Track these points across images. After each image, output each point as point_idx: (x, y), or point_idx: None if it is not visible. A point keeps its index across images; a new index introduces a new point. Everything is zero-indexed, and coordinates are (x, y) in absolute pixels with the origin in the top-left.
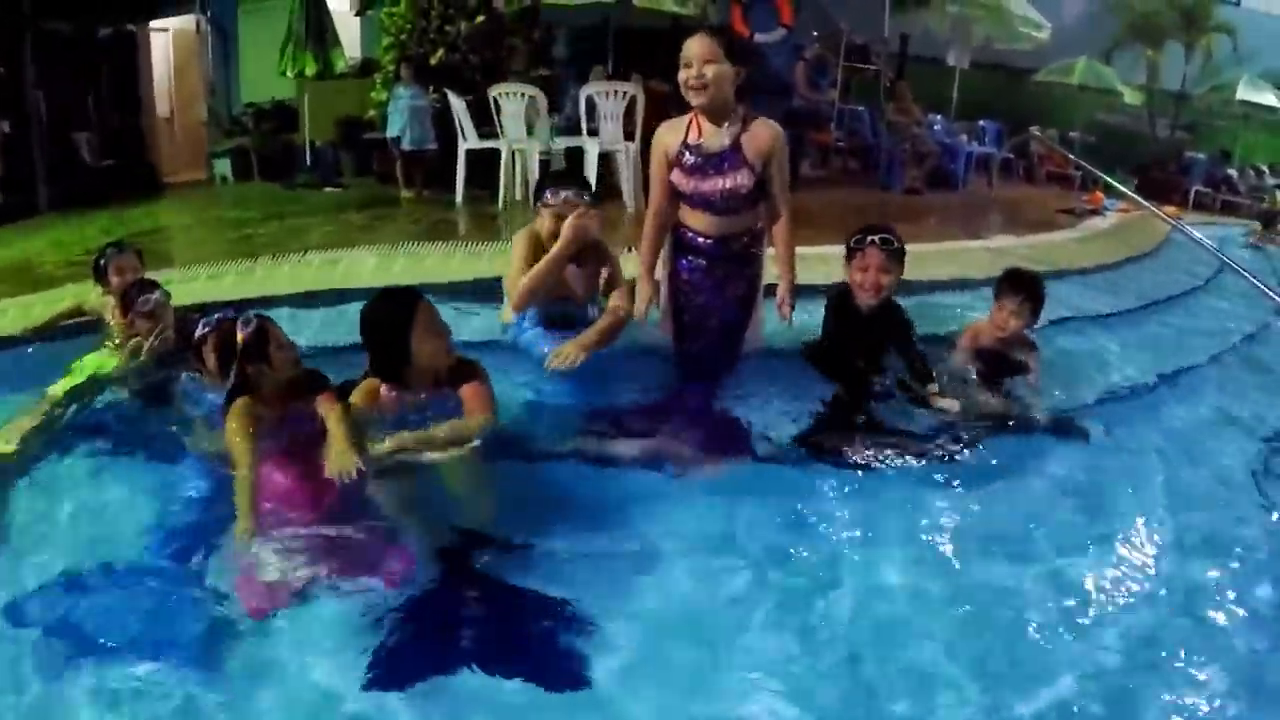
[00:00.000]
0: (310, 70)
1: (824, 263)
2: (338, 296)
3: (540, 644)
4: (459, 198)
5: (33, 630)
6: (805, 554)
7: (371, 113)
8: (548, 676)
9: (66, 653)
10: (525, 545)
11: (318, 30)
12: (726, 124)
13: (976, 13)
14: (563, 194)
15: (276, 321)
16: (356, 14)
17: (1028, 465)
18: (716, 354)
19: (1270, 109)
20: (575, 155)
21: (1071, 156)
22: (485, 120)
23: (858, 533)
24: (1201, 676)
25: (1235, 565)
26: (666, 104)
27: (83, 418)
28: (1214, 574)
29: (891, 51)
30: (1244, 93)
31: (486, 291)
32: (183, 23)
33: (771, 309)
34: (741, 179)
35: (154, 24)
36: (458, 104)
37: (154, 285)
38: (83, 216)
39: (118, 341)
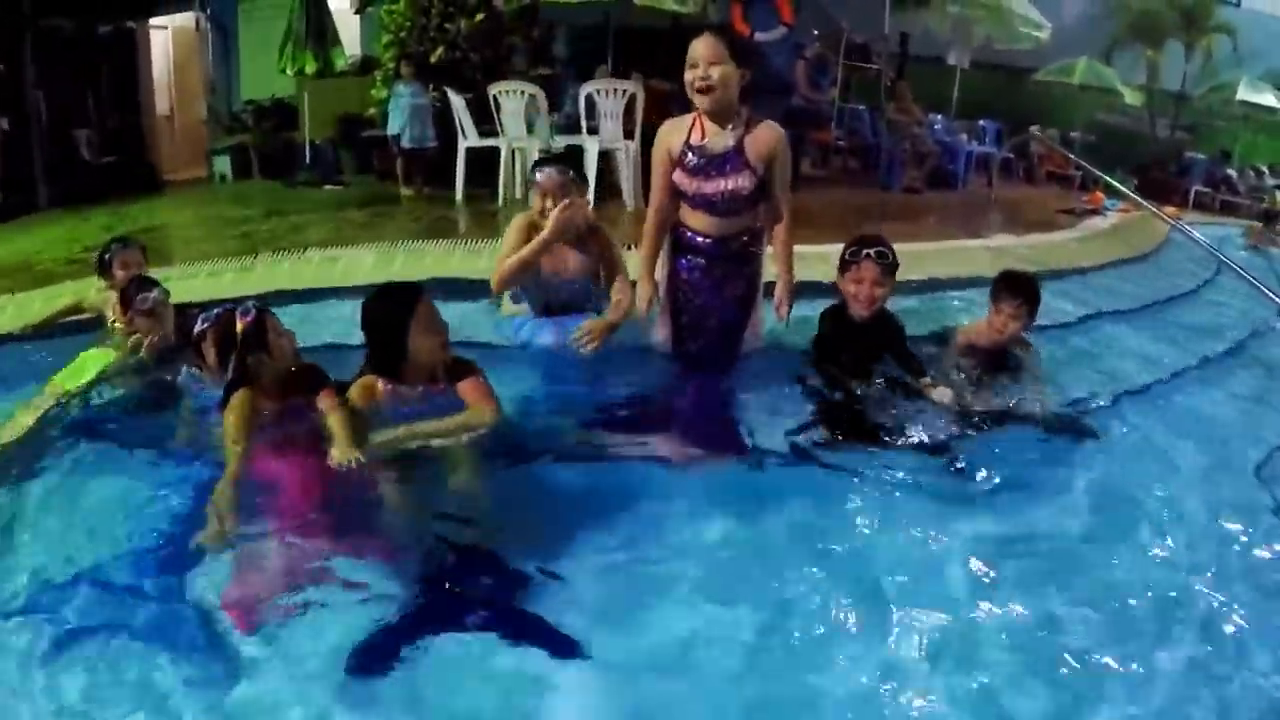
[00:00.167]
0: (310, 68)
1: (824, 261)
2: (336, 294)
3: (535, 640)
4: (459, 195)
5: (29, 627)
6: (804, 553)
7: (371, 110)
8: (537, 668)
9: (63, 648)
10: (521, 543)
11: (318, 28)
12: (730, 125)
13: (977, 12)
14: (547, 170)
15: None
16: (356, 12)
17: (1029, 465)
18: (716, 354)
19: (1270, 110)
20: (575, 153)
21: (1071, 156)
22: (485, 118)
23: (856, 532)
24: (1201, 675)
25: (1234, 564)
26: (667, 102)
27: (82, 414)
28: (1213, 573)
29: (892, 51)
30: (1244, 93)
31: (486, 289)
32: (182, 20)
33: (770, 309)
34: (743, 181)
35: (154, 21)
36: (458, 102)
37: (153, 283)
38: (82, 214)
39: (118, 338)
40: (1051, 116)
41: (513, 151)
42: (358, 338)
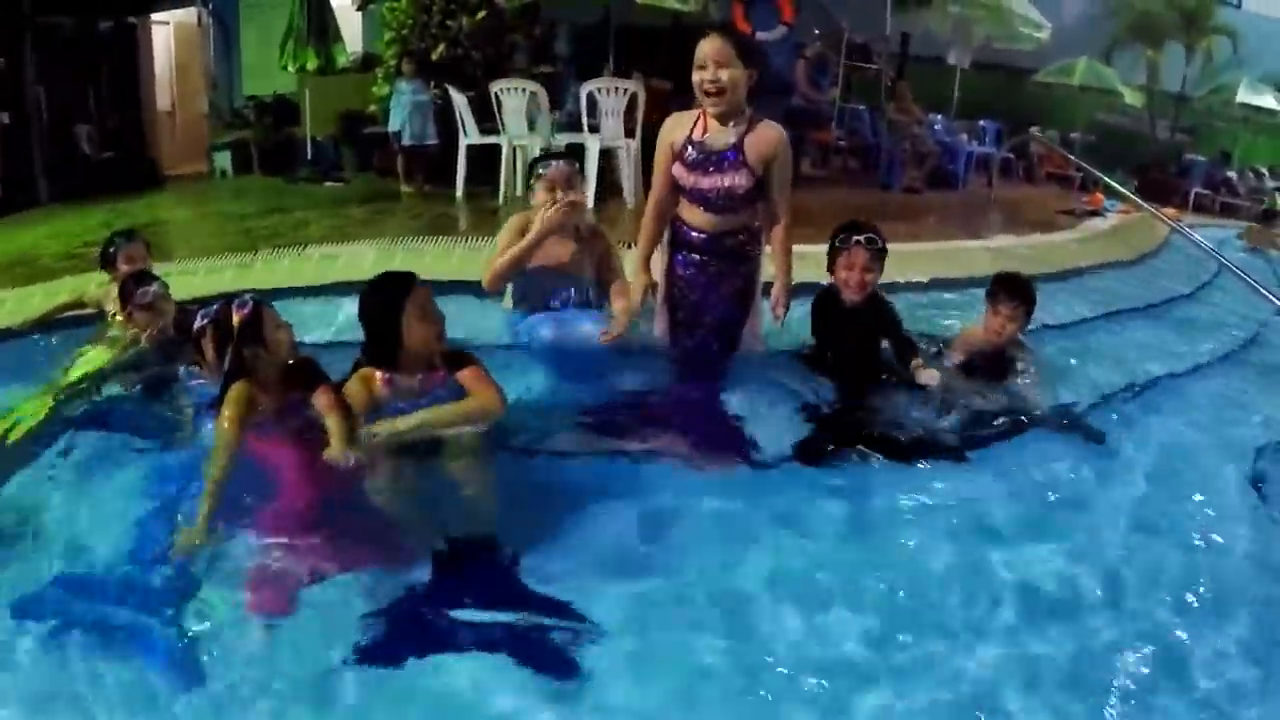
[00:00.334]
0: (311, 65)
1: (823, 262)
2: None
3: (535, 637)
4: (459, 193)
5: (30, 622)
6: (802, 552)
7: (373, 107)
8: (542, 669)
9: (62, 643)
10: (520, 541)
11: (319, 24)
12: (732, 124)
13: (977, 12)
14: (555, 162)
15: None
16: (358, 9)
17: (1030, 467)
18: (711, 350)
19: (1270, 111)
20: (576, 151)
21: (1071, 157)
22: (486, 116)
23: (856, 533)
24: (1203, 672)
25: (1232, 563)
26: (667, 101)
27: (82, 409)
28: (1213, 572)
29: (892, 51)
30: (1244, 95)
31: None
32: (184, 16)
33: (767, 309)
34: (740, 179)
35: (155, 17)
36: (459, 99)
37: (152, 277)
38: (83, 209)
39: (117, 331)
40: (1051, 117)
41: (514, 149)
42: (356, 335)
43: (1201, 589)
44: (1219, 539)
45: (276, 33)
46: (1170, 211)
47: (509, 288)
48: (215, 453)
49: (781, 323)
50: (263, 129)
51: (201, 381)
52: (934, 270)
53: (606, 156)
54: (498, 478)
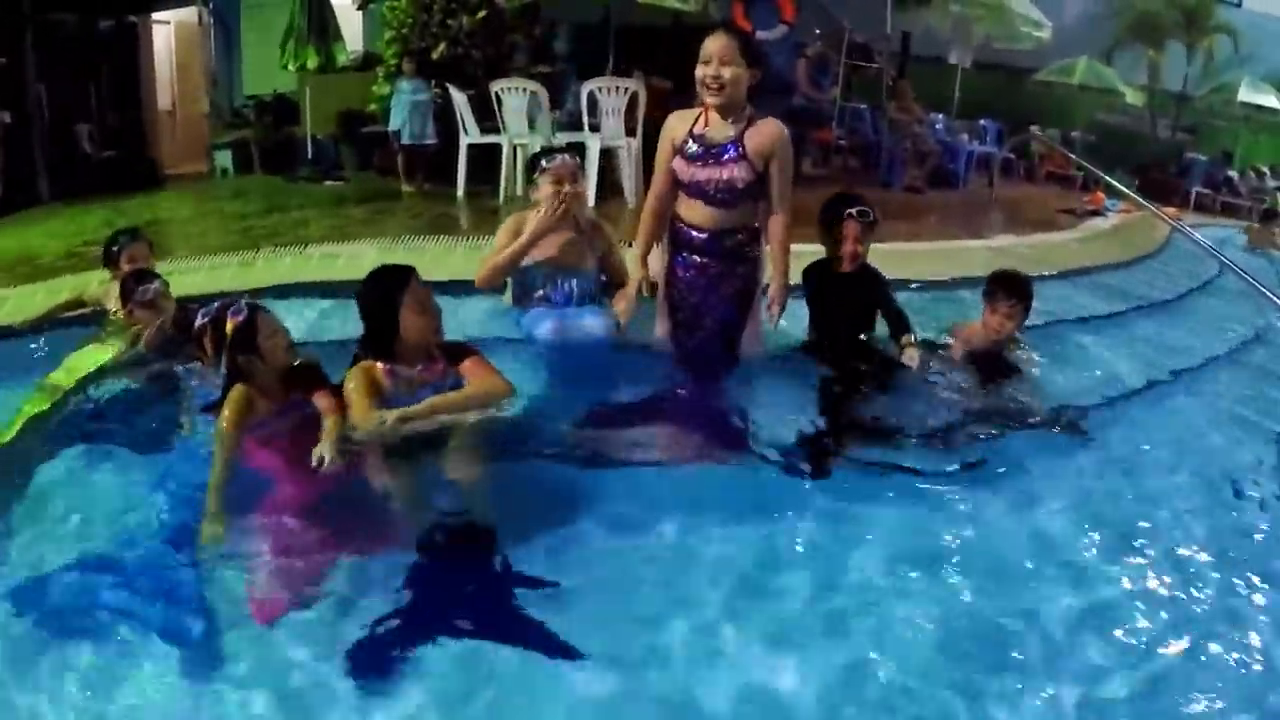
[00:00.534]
0: (312, 64)
1: None
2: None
3: (534, 636)
4: (460, 192)
5: (31, 620)
6: (801, 551)
7: (373, 106)
8: (535, 667)
9: (62, 641)
10: (519, 539)
11: (319, 24)
12: (733, 119)
13: (978, 11)
14: (560, 156)
15: (270, 311)
16: (359, 8)
17: (1029, 466)
18: (712, 351)
19: (1272, 110)
20: (576, 150)
21: (1072, 156)
22: (487, 115)
23: (854, 533)
24: (1203, 674)
25: (1233, 563)
26: (668, 100)
27: (83, 407)
28: (1214, 574)
29: (893, 50)
30: (1245, 94)
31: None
32: (184, 15)
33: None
34: (739, 172)
35: (156, 16)
36: (459, 98)
37: (153, 275)
38: (83, 208)
39: (117, 327)
40: (1052, 116)
41: (514, 148)
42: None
43: (1202, 585)
44: (1218, 536)
45: (277, 32)
46: (1171, 211)
47: (509, 284)
48: (214, 456)
49: (776, 323)
50: (263, 128)
51: (199, 383)
52: (934, 270)
53: (607, 155)
54: (495, 478)
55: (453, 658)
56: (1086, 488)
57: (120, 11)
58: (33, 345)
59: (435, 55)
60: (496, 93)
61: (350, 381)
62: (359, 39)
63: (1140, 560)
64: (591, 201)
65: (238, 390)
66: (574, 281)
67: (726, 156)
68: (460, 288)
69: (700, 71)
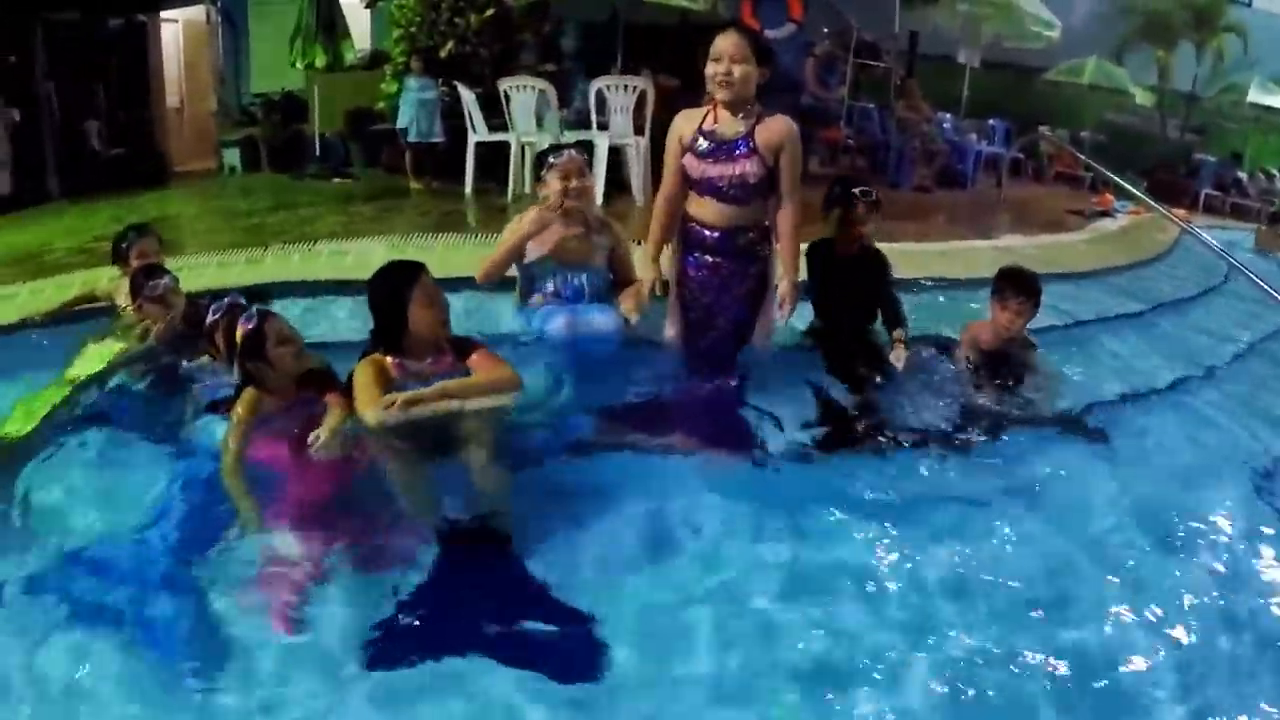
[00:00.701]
0: (320, 62)
1: None
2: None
3: (543, 633)
4: (468, 190)
5: (38, 612)
6: (807, 550)
7: (381, 104)
8: (550, 665)
9: (70, 634)
10: (530, 536)
11: (328, 22)
12: (742, 115)
13: (986, 11)
14: (568, 151)
15: (280, 315)
16: (367, 6)
17: (1034, 466)
18: (724, 351)
19: None
20: (585, 149)
21: (1081, 157)
22: (495, 113)
23: (860, 531)
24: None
25: (1234, 562)
26: (676, 98)
27: (94, 402)
28: (1217, 570)
29: (901, 49)
30: (1255, 95)
31: (500, 283)
32: (193, 13)
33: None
34: (751, 167)
35: (164, 14)
36: (468, 96)
37: (162, 270)
38: (93, 204)
39: (127, 320)
40: (1061, 116)
41: (522, 146)
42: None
43: (1209, 586)
44: (1225, 540)
45: (285, 30)
46: (1180, 212)
47: (518, 282)
48: (224, 457)
49: (787, 320)
50: (271, 126)
51: (214, 374)
52: (943, 270)
53: (615, 154)
54: (511, 475)
55: (467, 659)
56: (1091, 489)
57: (129, 10)
58: (44, 340)
59: (443, 53)
60: (504, 91)
61: (360, 373)
62: (367, 37)
63: (1142, 560)
64: (600, 200)
65: (249, 393)
66: (583, 278)
67: (739, 152)
68: (469, 285)
69: (711, 69)
